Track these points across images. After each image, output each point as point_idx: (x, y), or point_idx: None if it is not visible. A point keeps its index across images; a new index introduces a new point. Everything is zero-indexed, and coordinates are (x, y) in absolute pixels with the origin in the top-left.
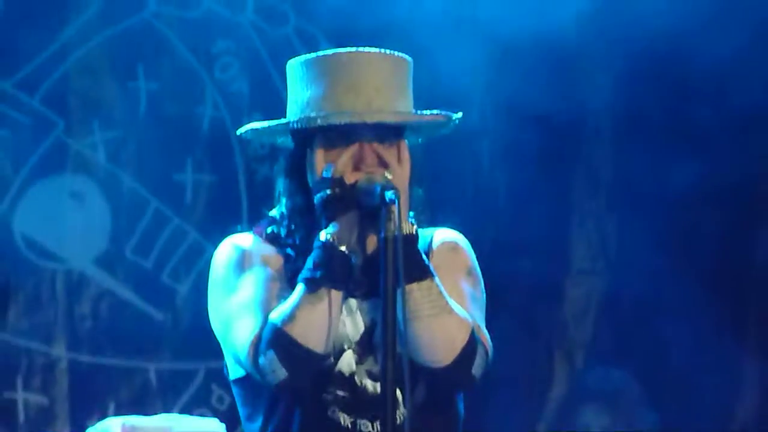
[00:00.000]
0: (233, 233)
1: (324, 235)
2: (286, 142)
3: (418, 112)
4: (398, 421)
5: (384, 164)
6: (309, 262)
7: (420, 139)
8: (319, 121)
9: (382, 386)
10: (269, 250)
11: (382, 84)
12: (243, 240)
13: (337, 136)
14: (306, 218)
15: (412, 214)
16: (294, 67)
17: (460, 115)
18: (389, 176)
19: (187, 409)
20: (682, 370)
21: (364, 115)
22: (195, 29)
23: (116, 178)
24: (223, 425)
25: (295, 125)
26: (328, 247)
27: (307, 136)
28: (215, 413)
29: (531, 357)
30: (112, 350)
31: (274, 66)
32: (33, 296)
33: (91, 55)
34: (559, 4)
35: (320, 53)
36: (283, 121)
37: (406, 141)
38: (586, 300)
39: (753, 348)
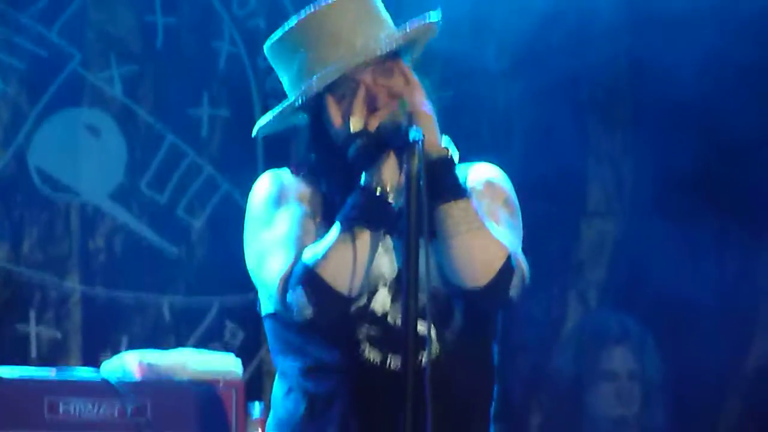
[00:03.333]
0: (249, 170)
1: (363, 178)
2: (301, 118)
3: (400, 29)
4: (431, 358)
5: (395, 95)
6: (348, 205)
7: (414, 56)
8: (315, 87)
9: (403, 322)
10: (306, 187)
11: (355, 22)
12: (281, 176)
13: (341, 87)
14: (342, 172)
15: (447, 138)
16: (270, 50)
17: (438, 12)
18: (407, 104)
19: (200, 344)
20: (697, 313)
21: (352, 59)
22: None
23: (132, 112)
24: (239, 360)
25: (298, 102)
26: (366, 190)
27: (316, 103)
28: (228, 348)
29: (545, 297)
30: (126, 284)
31: (291, 3)
32: (47, 230)
33: None
34: None
35: (286, 24)
36: (285, 103)
37: (404, 61)
38: (600, 241)
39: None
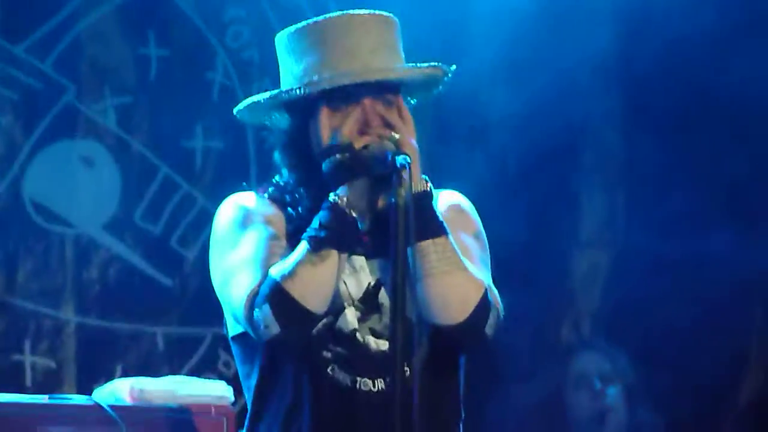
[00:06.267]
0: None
1: (333, 197)
2: (281, 117)
3: (415, 65)
4: (400, 380)
5: (388, 125)
6: (315, 222)
7: (413, 100)
8: (324, 84)
9: (390, 348)
10: (271, 209)
11: (377, 44)
12: (246, 198)
13: (339, 100)
14: (310, 187)
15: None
16: (284, 39)
17: (454, 67)
18: (397, 137)
19: (193, 374)
20: (685, 348)
21: (366, 75)
22: None
23: (126, 143)
24: (230, 388)
25: (300, 91)
26: (336, 209)
27: (306, 106)
28: (221, 378)
29: (538, 327)
30: (120, 314)
31: None
32: (42, 260)
33: (102, 21)
34: None
35: (309, 21)
36: (285, 89)
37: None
38: (593, 272)
39: (760, 330)
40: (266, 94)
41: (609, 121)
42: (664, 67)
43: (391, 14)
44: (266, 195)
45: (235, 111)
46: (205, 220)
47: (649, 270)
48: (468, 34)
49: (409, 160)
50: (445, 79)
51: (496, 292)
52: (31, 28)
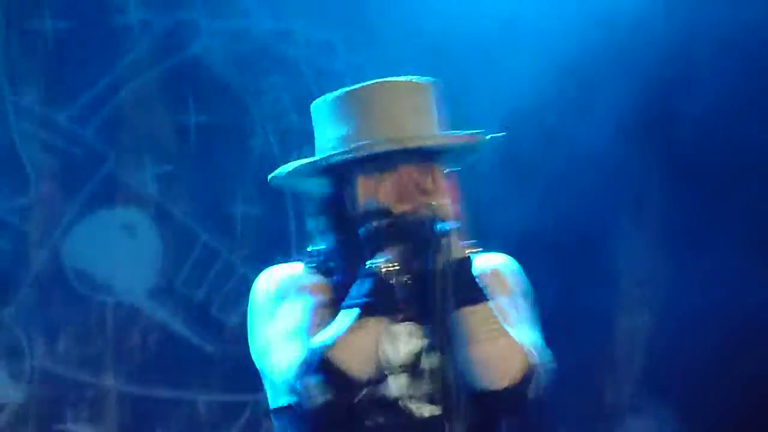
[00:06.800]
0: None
1: (372, 264)
2: (315, 183)
3: (454, 133)
4: None
5: (424, 191)
6: (354, 291)
7: (451, 167)
8: (362, 152)
9: (437, 414)
10: (311, 278)
11: (414, 111)
12: (283, 269)
13: (375, 166)
14: (348, 253)
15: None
16: (321, 106)
17: (489, 137)
18: (434, 203)
19: None
20: (736, 407)
21: (405, 141)
22: (245, 63)
23: (166, 211)
24: None
25: (338, 159)
26: (376, 277)
27: (342, 172)
28: None
29: (581, 390)
30: (162, 382)
31: None
32: (83, 328)
33: (143, 89)
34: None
35: (346, 89)
36: (322, 156)
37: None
38: (636, 332)
39: None
40: (305, 161)
41: (647, 180)
42: (702, 124)
43: (429, 79)
44: (304, 263)
45: (270, 178)
46: (245, 287)
47: (693, 328)
48: (501, 89)
49: (447, 227)
50: (484, 148)
51: (545, 351)
52: (73, 96)
